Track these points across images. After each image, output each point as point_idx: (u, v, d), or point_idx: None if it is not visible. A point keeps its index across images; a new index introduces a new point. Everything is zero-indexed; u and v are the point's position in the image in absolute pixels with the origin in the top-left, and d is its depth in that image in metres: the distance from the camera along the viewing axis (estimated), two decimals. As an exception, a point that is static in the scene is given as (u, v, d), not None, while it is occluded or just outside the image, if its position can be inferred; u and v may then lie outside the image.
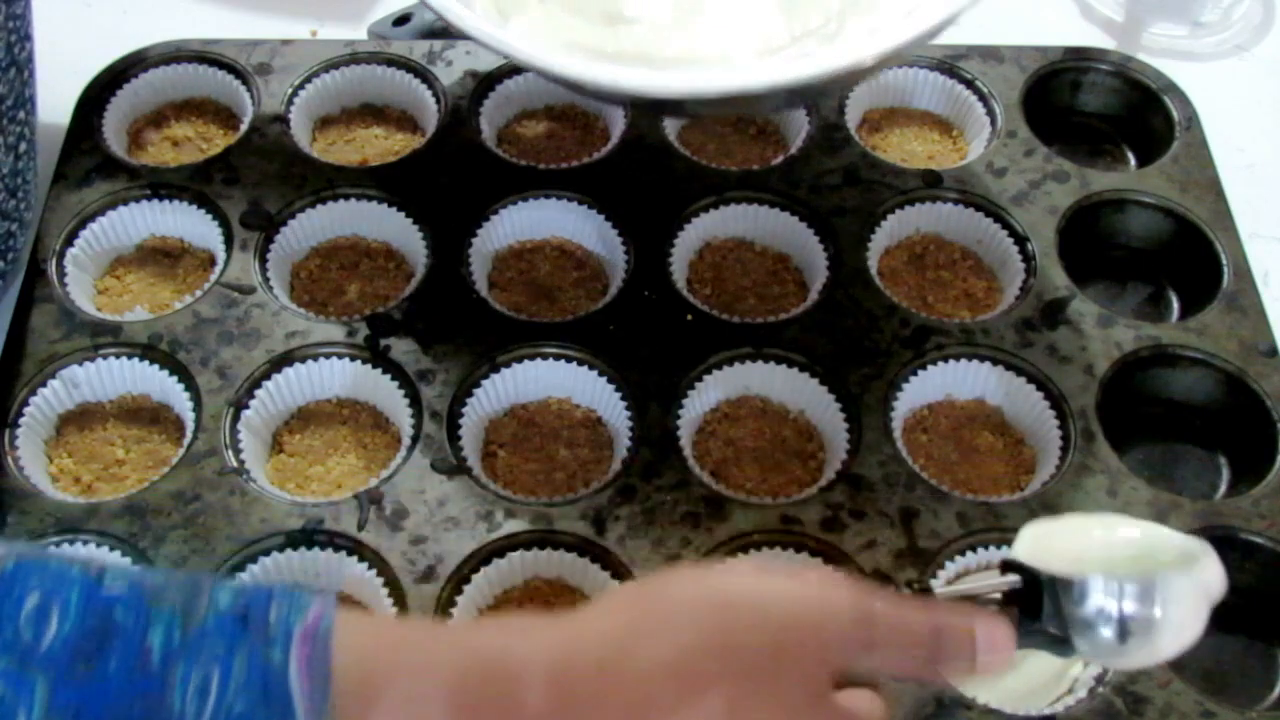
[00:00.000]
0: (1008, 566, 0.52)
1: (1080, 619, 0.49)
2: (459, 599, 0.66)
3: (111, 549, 0.67)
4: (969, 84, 0.90)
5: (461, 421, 0.72)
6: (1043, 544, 0.53)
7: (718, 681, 0.43)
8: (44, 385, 0.73)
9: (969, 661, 0.47)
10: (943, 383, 0.76)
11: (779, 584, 0.46)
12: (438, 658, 0.42)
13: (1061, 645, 0.50)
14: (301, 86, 0.88)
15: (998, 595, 0.51)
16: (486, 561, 0.67)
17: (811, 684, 0.45)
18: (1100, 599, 0.49)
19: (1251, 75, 0.95)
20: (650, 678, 0.42)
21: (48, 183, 0.82)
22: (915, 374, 0.75)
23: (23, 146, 0.74)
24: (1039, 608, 0.50)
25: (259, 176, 0.83)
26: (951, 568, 0.68)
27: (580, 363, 0.74)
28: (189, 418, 0.73)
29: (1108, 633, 0.49)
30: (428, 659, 0.42)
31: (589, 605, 0.47)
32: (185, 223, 0.82)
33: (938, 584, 0.56)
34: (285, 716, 0.38)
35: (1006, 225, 0.82)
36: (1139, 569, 0.50)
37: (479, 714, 0.42)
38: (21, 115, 0.74)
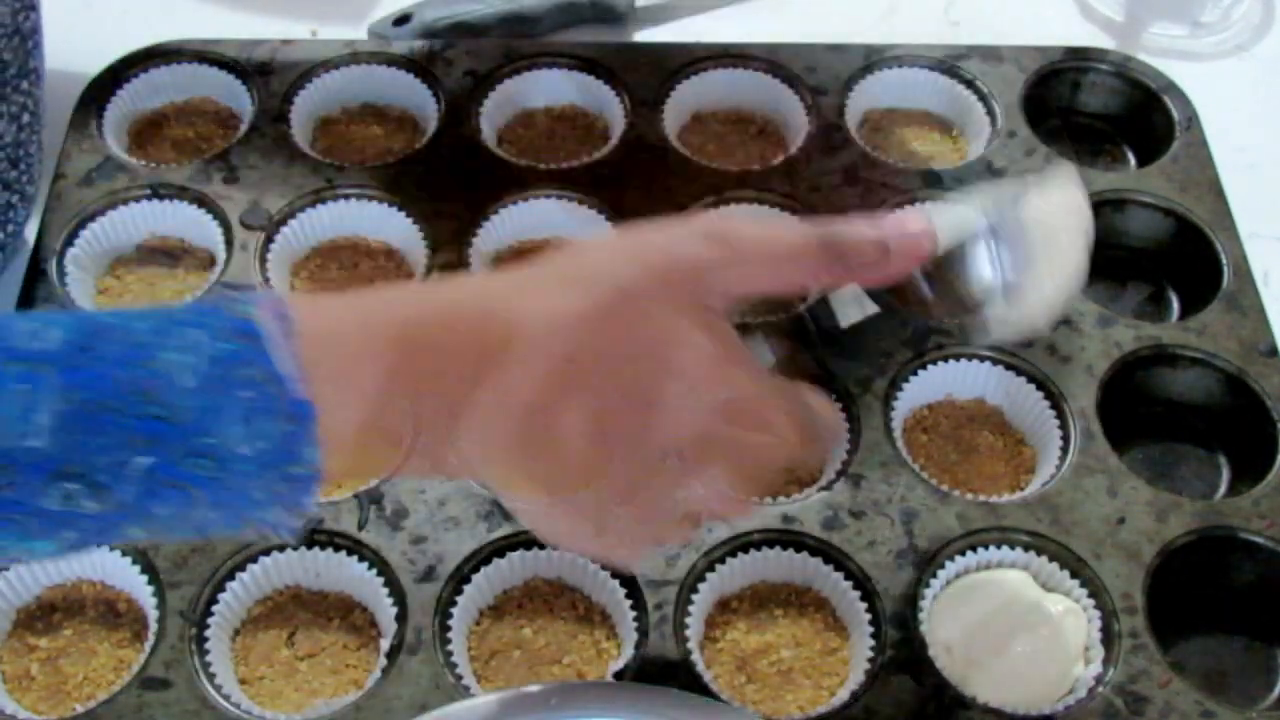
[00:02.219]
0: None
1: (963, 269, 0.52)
2: (459, 599, 0.66)
3: (111, 550, 0.67)
4: (969, 84, 0.90)
5: (461, 421, 0.72)
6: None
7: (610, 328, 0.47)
8: (44, 385, 0.73)
9: (877, 253, 0.50)
10: (943, 383, 0.76)
11: (649, 234, 0.50)
12: (384, 316, 0.47)
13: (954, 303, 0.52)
14: (301, 86, 0.88)
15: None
16: (486, 561, 0.67)
17: (688, 312, 0.48)
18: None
19: (1251, 75, 0.95)
20: (557, 327, 0.47)
21: (50, 175, 0.82)
22: (915, 374, 0.75)
23: (26, 117, 0.74)
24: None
25: (259, 176, 0.83)
26: (951, 568, 0.68)
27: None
28: (189, 418, 0.73)
29: (984, 260, 0.52)
30: (378, 316, 0.47)
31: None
32: (185, 223, 0.82)
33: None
34: (262, 348, 0.44)
35: (1006, 225, 0.82)
36: None
37: (417, 358, 0.47)
38: (25, 85, 0.73)
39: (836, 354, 0.55)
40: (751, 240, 0.50)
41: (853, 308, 0.54)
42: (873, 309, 0.53)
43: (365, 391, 0.46)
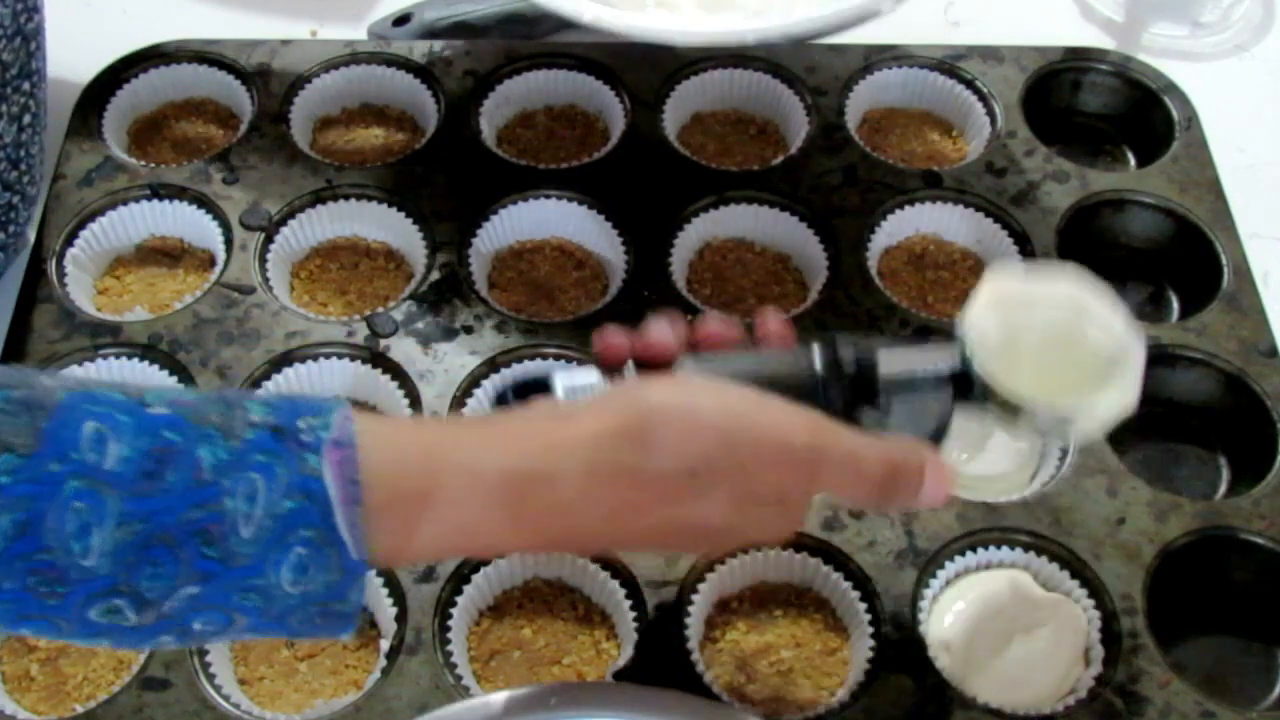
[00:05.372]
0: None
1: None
2: (458, 599, 0.66)
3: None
4: (969, 84, 0.90)
5: (461, 421, 0.72)
6: (993, 309, 0.56)
7: (721, 480, 0.49)
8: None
9: (914, 497, 0.53)
10: (943, 383, 0.76)
11: (748, 411, 0.51)
12: (482, 463, 0.48)
13: (1005, 412, 0.55)
14: (301, 86, 0.88)
15: (935, 375, 0.55)
16: (486, 561, 0.67)
17: (779, 493, 0.51)
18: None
19: (1251, 75, 0.95)
20: (668, 475, 0.49)
21: (50, 175, 0.82)
22: (915, 374, 0.75)
23: (26, 118, 0.74)
24: (970, 389, 0.55)
25: (259, 176, 0.83)
26: (951, 568, 0.68)
27: (580, 362, 0.74)
28: (189, 418, 0.73)
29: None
30: (472, 463, 0.48)
31: (582, 411, 0.51)
32: (185, 223, 0.82)
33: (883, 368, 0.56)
34: (324, 511, 0.44)
35: (1006, 225, 0.82)
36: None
37: (524, 508, 0.48)
38: (26, 86, 0.74)
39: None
40: (841, 462, 0.52)
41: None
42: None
43: (454, 523, 0.47)
